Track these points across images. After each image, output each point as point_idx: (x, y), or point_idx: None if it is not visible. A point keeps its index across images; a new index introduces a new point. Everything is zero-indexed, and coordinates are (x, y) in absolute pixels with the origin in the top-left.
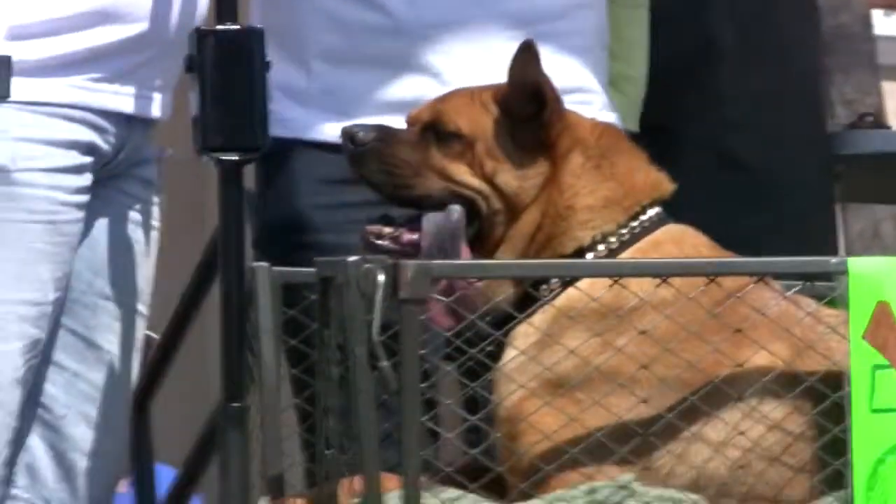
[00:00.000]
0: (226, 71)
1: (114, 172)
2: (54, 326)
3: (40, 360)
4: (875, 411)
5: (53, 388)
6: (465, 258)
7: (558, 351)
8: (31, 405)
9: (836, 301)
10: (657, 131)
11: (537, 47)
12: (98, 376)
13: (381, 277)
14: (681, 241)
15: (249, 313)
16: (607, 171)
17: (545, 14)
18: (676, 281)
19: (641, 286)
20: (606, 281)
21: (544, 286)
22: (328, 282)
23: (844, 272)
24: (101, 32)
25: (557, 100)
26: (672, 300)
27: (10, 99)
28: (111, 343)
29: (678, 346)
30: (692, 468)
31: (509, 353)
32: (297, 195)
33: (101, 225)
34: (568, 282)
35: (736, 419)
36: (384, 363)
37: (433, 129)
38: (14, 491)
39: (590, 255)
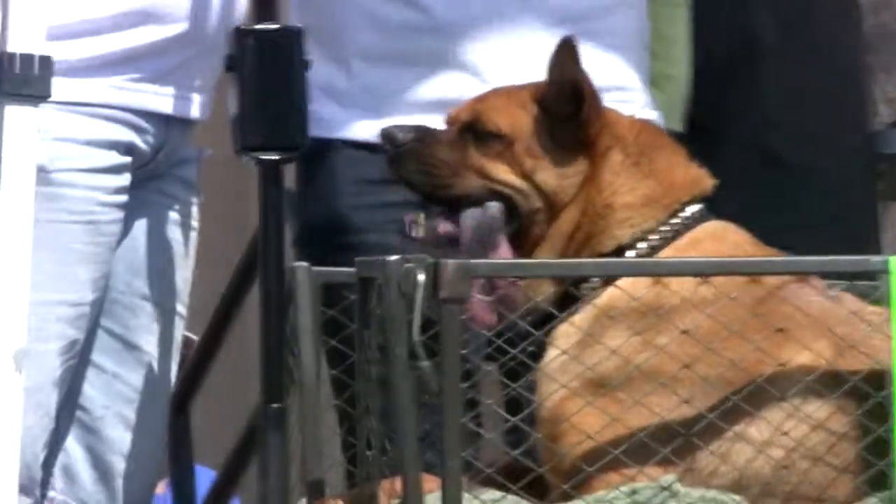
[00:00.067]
0: (265, 70)
1: (153, 173)
2: (93, 327)
3: (78, 362)
4: None
5: (91, 390)
6: (505, 253)
7: (600, 350)
8: (69, 407)
9: (879, 300)
10: (699, 130)
11: (576, 45)
12: (136, 377)
13: (422, 277)
14: (722, 238)
15: (289, 314)
16: (647, 168)
17: (587, 12)
18: (718, 279)
19: (683, 284)
20: (647, 279)
21: (585, 285)
22: (368, 282)
23: (886, 271)
24: (140, 33)
25: (596, 97)
26: (713, 299)
27: (50, 99)
28: (150, 344)
29: (720, 345)
30: (735, 468)
31: (551, 353)
32: (337, 195)
33: (140, 225)
34: (608, 280)
35: (779, 419)
36: (425, 363)
37: (472, 129)
38: (51, 493)
39: (630, 254)
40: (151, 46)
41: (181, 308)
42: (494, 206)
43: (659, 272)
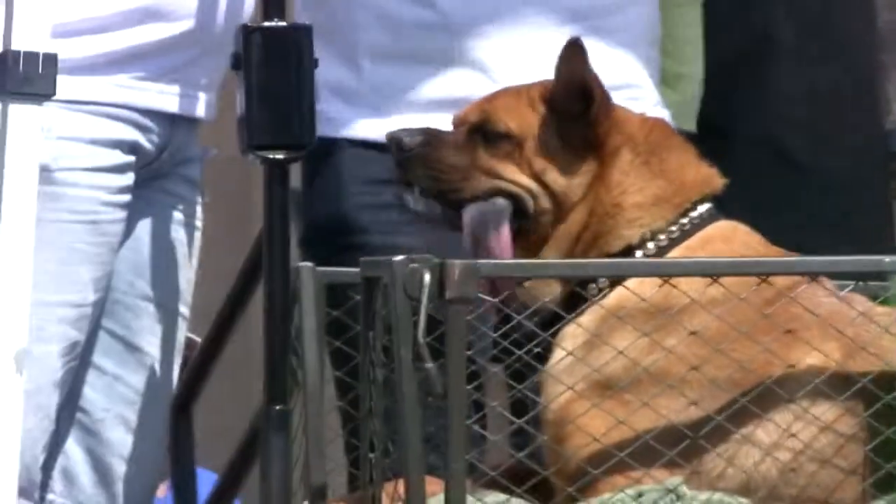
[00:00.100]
0: (272, 68)
1: (157, 172)
2: (94, 328)
3: (79, 363)
4: None
5: (92, 392)
6: (507, 241)
7: (607, 352)
8: (70, 409)
9: (890, 300)
10: (710, 128)
11: (584, 44)
12: (138, 379)
13: (427, 277)
14: (731, 238)
15: (293, 314)
16: (657, 167)
17: (597, 8)
18: (727, 280)
19: (691, 285)
20: (656, 280)
21: (592, 285)
22: (373, 282)
23: None
24: (145, 30)
25: (606, 97)
26: (722, 299)
27: (53, 97)
28: (152, 345)
29: (728, 346)
30: (742, 471)
31: (557, 355)
32: (343, 195)
33: (144, 225)
34: (616, 281)
35: (787, 421)
36: (430, 365)
37: (481, 130)
38: (50, 496)
39: (638, 254)
40: (157, 44)
41: (184, 309)
42: (502, 200)
43: (669, 273)
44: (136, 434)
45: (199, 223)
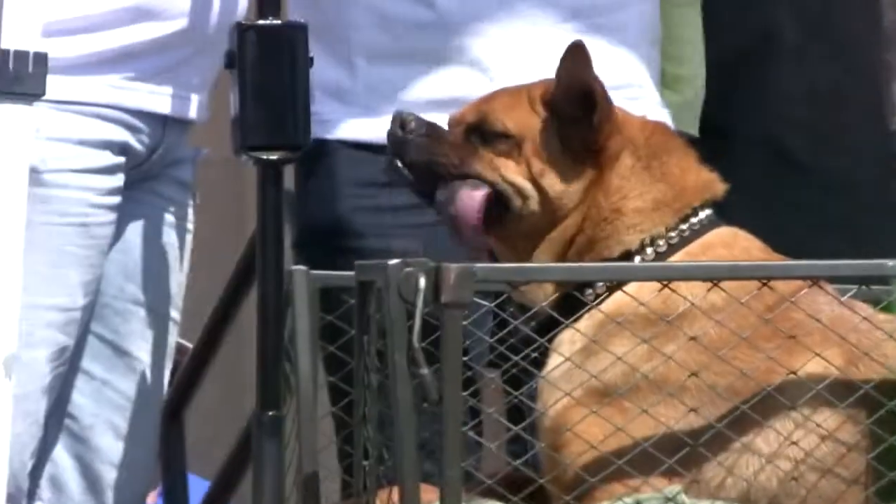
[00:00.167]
0: (267, 67)
1: (148, 173)
2: (83, 333)
3: (68, 368)
4: None
5: (81, 397)
6: (478, 204)
7: (605, 358)
8: (58, 414)
9: (893, 305)
10: (712, 129)
11: (587, 48)
12: (127, 385)
13: (423, 281)
14: (732, 245)
15: (286, 319)
16: (657, 172)
17: (597, 6)
18: (728, 285)
19: (691, 291)
20: (655, 285)
21: (590, 290)
22: (367, 286)
23: None
24: (137, 30)
25: (608, 102)
26: (723, 305)
27: (42, 98)
28: (142, 350)
29: (729, 353)
30: (742, 480)
31: (554, 360)
32: (336, 197)
33: (134, 227)
34: (615, 286)
35: (788, 429)
36: (425, 370)
37: (479, 130)
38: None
39: (637, 259)
40: (148, 44)
41: (175, 313)
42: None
43: (669, 277)
44: (126, 440)
45: (190, 226)
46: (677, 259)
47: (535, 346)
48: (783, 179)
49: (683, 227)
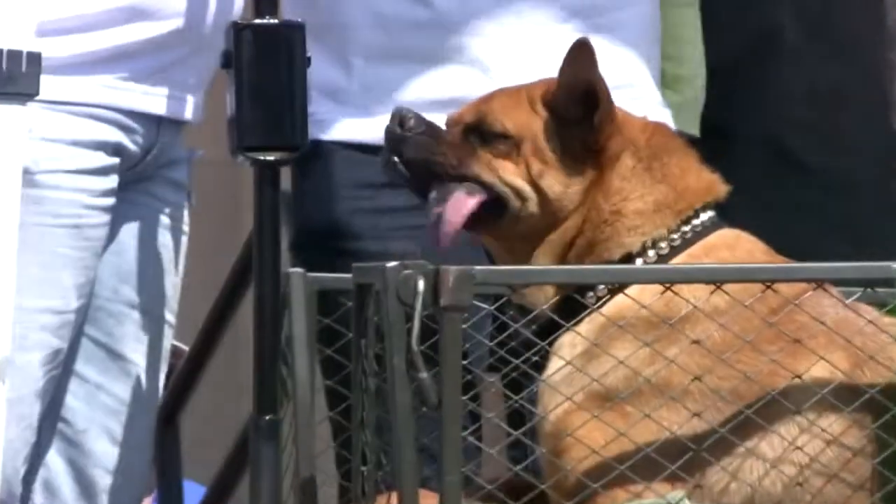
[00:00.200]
0: (264, 67)
1: (142, 174)
2: (76, 336)
3: (61, 372)
4: None
5: (75, 401)
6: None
7: (606, 362)
8: (51, 419)
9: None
10: (715, 129)
11: (592, 46)
12: (122, 389)
13: (422, 284)
14: (734, 246)
15: (283, 321)
16: (658, 173)
17: (597, 5)
18: (731, 287)
19: (694, 293)
20: (657, 288)
21: (591, 293)
22: (365, 288)
23: None
24: (132, 29)
25: (611, 103)
26: (726, 308)
27: (36, 97)
28: (136, 353)
29: (732, 356)
30: (746, 485)
31: (555, 364)
32: (333, 199)
33: (128, 229)
34: (616, 289)
35: (793, 434)
36: (424, 374)
37: (477, 130)
38: None
39: (639, 262)
40: (143, 44)
41: (170, 316)
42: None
43: (671, 279)
44: (121, 445)
45: (185, 227)
46: (679, 261)
47: (535, 349)
48: (784, 180)
49: (685, 228)
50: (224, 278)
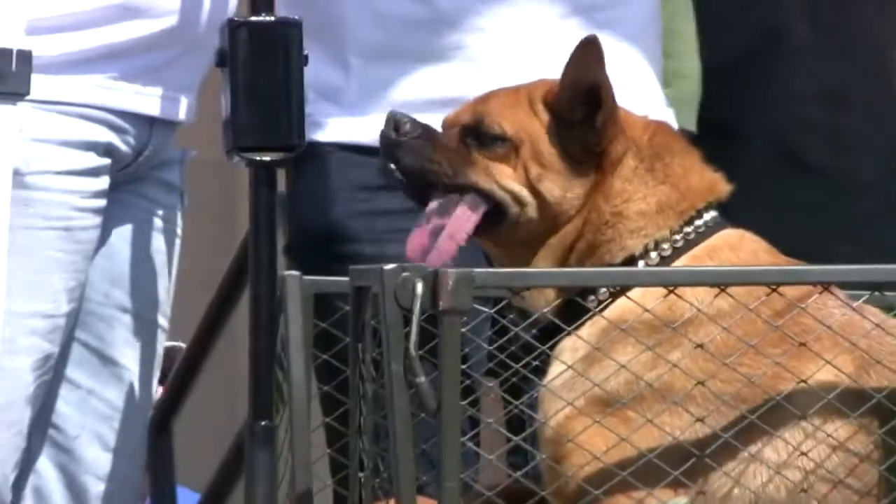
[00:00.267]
0: (260, 65)
1: (134, 175)
2: (67, 340)
3: (52, 377)
4: None
5: (66, 407)
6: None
7: (608, 366)
8: (42, 424)
9: None
10: (718, 129)
11: (601, 44)
12: (114, 394)
13: (420, 287)
14: (738, 247)
15: (279, 325)
16: (661, 173)
17: (598, 2)
18: (735, 290)
19: (697, 296)
20: (660, 291)
21: (592, 297)
22: (363, 292)
23: None
24: (123, 28)
25: (615, 104)
26: (730, 311)
27: (25, 97)
28: (128, 358)
29: (736, 360)
30: (750, 491)
31: (555, 369)
32: (330, 201)
33: (120, 232)
34: (618, 292)
35: (798, 439)
36: (422, 379)
37: (475, 132)
38: None
39: (641, 264)
40: (135, 43)
41: (162, 320)
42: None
43: (674, 282)
44: (113, 451)
45: (178, 229)
46: (682, 263)
47: (535, 353)
48: (787, 180)
49: (688, 229)
50: (219, 281)
